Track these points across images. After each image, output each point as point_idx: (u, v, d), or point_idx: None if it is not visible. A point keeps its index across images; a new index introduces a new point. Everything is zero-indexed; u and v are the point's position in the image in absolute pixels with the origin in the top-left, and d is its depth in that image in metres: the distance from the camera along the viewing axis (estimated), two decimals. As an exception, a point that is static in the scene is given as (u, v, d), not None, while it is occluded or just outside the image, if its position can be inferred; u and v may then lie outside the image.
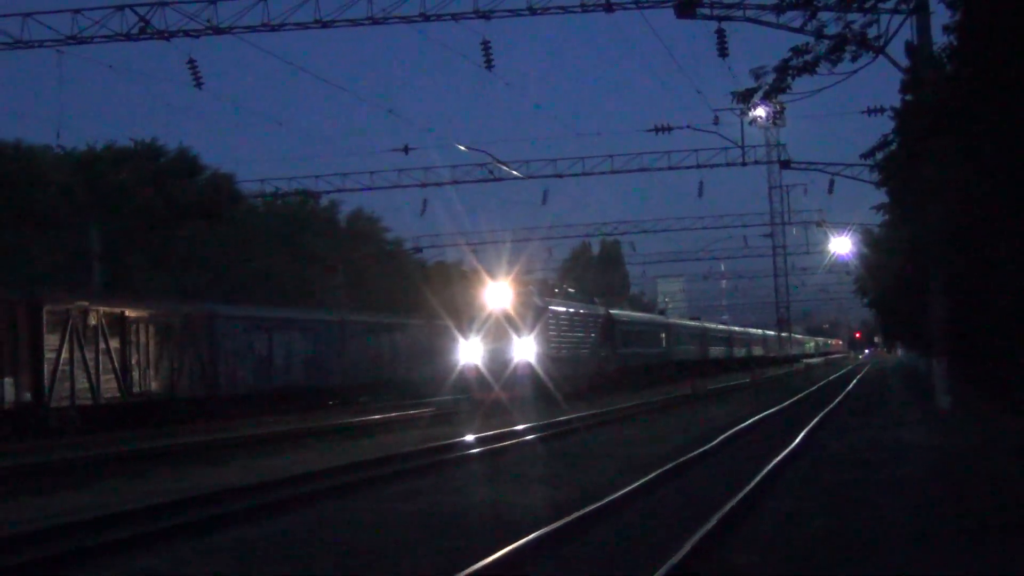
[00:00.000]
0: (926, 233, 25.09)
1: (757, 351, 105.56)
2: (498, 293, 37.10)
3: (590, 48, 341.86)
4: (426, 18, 28.12)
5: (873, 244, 45.21)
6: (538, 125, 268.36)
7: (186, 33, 28.02)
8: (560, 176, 51.02)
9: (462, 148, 48.45)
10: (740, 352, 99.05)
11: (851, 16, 15.26)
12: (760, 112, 23.23)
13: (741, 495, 13.82)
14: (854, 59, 15.78)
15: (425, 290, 48.32)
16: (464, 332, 36.76)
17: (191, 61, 29.01)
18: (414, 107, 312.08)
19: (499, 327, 36.64)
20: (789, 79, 15.82)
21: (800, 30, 16.00)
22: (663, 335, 67.27)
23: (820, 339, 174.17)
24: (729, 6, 18.35)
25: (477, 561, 9.63)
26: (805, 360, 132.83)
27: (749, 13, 18.24)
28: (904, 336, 67.33)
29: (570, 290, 53.35)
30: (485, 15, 27.69)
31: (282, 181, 56.02)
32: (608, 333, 50.93)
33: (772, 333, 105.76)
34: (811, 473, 17.81)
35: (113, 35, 28.21)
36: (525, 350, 36.87)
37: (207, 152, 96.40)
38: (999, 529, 11.68)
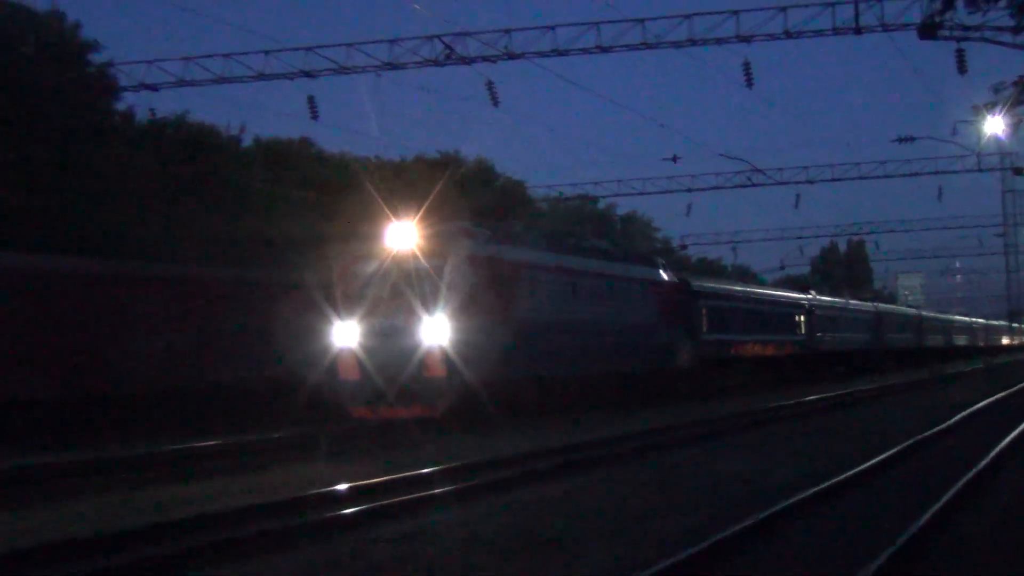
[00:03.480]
0: None
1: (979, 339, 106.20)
2: (398, 235, 22.53)
3: (841, 65, 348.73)
4: (693, 43, 30.32)
5: None
6: (792, 135, 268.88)
7: (485, 59, 30.94)
8: (811, 182, 54.05)
9: (724, 156, 51.47)
10: (958, 340, 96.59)
11: None
12: (999, 123, 24.54)
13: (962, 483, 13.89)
14: None
15: None
16: (336, 303, 22.70)
17: (489, 83, 31.67)
18: (683, 121, 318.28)
19: (394, 289, 22.29)
20: None
21: None
22: (800, 317, 51.81)
23: None
24: (967, 28, 18.91)
25: None
26: None
27: (986, 34, 18.70)
28: None
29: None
30: (746, 39, 29.69)
31: (566, 187, 62.33)
32: (680, 311, 35.50)
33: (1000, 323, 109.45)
34: None
35: (423, 61, 31.35)
36: (441, 331, 21.80)
37: (501, 161, 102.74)
38: None
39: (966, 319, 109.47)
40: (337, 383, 22.81)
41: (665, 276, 35.66)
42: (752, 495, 13.80)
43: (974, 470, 15.12)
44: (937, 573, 9.75)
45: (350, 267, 23.01)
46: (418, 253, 22.31)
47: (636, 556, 9.77)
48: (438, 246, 22.60)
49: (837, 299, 63.29)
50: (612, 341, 29.89)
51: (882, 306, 73.36)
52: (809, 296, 54.64)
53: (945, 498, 12.61)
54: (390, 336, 22.16)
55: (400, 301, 22.23)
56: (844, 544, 10.78)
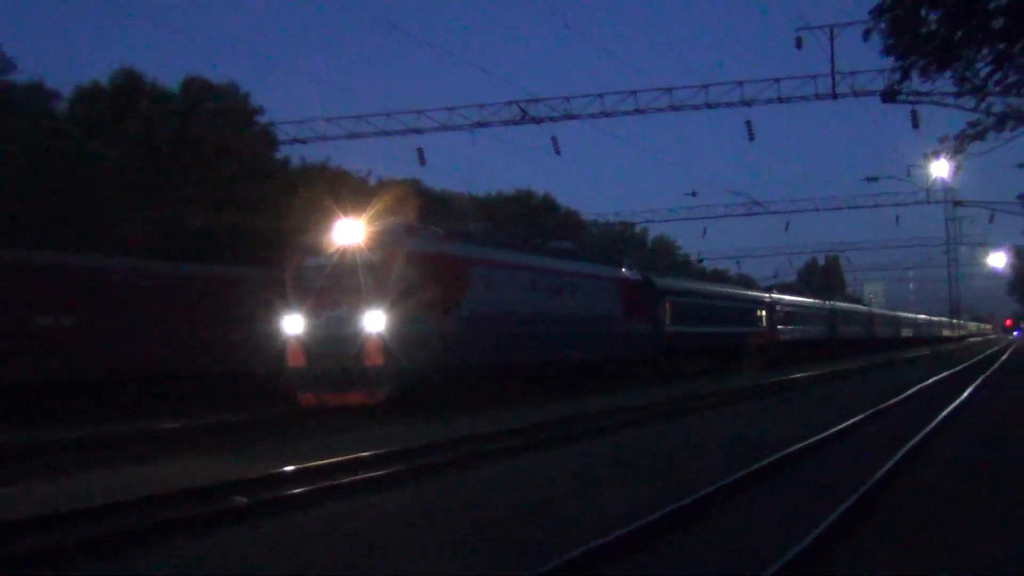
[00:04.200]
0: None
1: (921, 332, 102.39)
2: (344, 232, 19.10)
3: (822, 121, 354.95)
4: (708, 106, 30.15)
5: (1022, 258, 46.13)
6: (783, 175, 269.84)
7: (550, 119, 30.87)
8: (798, 211, 55.48)
9: (731, 191, 47.47)
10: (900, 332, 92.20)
11: (1011, 99, 14.88)
12: (944, 167, 24.35)
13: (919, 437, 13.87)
14: (1013, 129, 15.21)
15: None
16: (287, 295, 19.42)
17: (553, 138, 31.75)
18: (699, 164, 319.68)
19: (338, 282, 18.75)
20: (965, 144, 16.09)
21: (974, 110, 15.65)
22: (761, 312, 46.96)
23: (979, 323, 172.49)
24: (920, 93, 18.71)
25: None
26: (969, 339, 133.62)
27: (935, 98, 18.57)
28: None
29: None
30: (748, 103, 29.66)
31: (611, 215, 63.63)
32: (645, 306, 30.92)
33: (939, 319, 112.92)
34: (976, 417, 17.82)
35: (505, 121, 31.19)
36: (379, 321, 18.22)
37: (562, 196, 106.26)
38: None
39: (911, 315, 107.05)
40: (286, 371, 19.06)
41: (630, 275, 31.02)
42: (754, 446, 13.30)
43: (926, 429, 14.88)
44: (905, 497, 9.80)
45: (300, 261, 19.39)
46: (362, 248, 18.73)
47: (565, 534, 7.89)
48: (380, 242, 18.90)
49: (796, 297, 59.26)
50: (573, 331, 25.57)
51: (837, 304, 69.44)
52: (770, 295, 51.54)
53: (906, 448, 12.52)
54: (333, 326, 18.55)
55: (343, 293, 18.60)
56: (835, 481, 10.45)
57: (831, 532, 7.81)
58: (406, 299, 18.60)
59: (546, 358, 24.17)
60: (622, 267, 31.11)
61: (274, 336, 19.61)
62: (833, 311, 63.64)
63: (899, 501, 9.61)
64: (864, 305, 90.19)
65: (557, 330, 24.56)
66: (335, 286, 18.71)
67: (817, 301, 63.26)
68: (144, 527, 8.41)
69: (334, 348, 18.32)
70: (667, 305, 33.07)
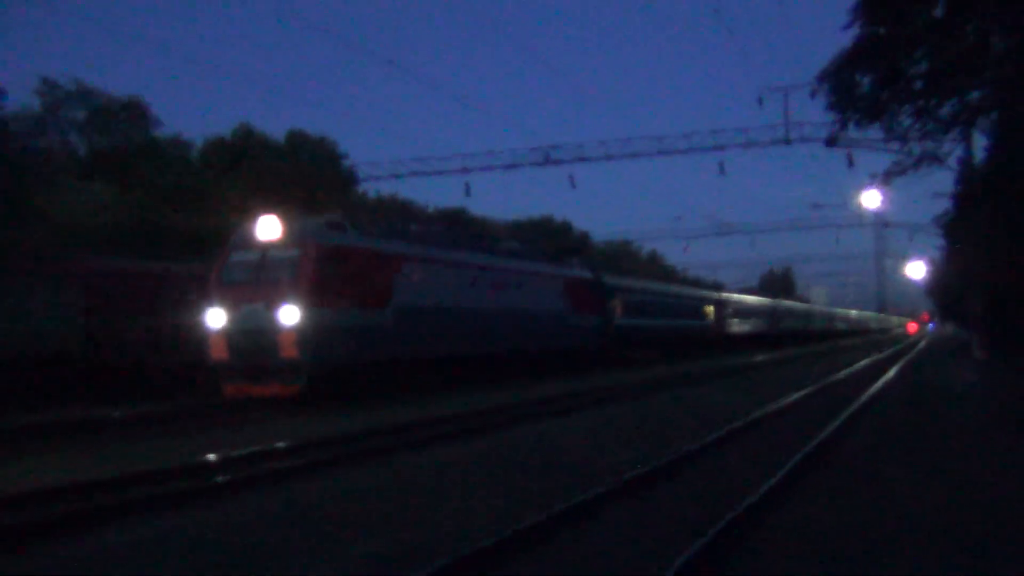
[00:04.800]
0: (969, 262, 25.25)
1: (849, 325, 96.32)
2: (266, 227, 15.85)
3: (778, 160, 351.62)
4: (691, 149, 30.11)
5: (936, 267, 46.57)
6: (749, 202, 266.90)
7: (567, 161, 30.81)
8: (760, 231, 57.73)
9: (708, 217, 45.87)
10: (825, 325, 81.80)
11: (927, 143, 14.79)
12: (874, 196, 24.73)
13: (856, 405, 13.93)
14: (929, 166, 15.07)
15: None
16: (212, 286, 15.90)
17: (570, 175, 32.55)
18: (681, 195, 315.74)
19: (259, 276, 15.51)
20: (891, 178, 16.01)
21: (898, 152, 15.62)
22: (709, 308, 42.35)
23: (901, 318, 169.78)
24: (855, 140, 18.71)
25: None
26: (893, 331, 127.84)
27: (868, 143, 18.53)
28: (953, 318, 66.56)
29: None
30: (721, 147, 29.58)
31: (615, 234, 66.19)
32: (596, 301, 27.19)
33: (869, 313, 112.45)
34: (901, 393, 17.64)
35: (532, 163, 31.04)
36: (295, 314, 14.95)
37: (576, 220, 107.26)
38: (1014, 426, 11.53)
39: (844, 311, 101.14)
40: (210, 362, 15.71)
41: (580, 273, 27.10)
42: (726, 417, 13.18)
43: (857, 403, 14.69)
44: (847, 451, 9.74)
45: (227, 256, 16.11)
46: (282, 243, 15.60)
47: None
48: (300, 237, 15.65)
49: (743, 296, 53.83)
50: (517, 324, 21.92)
51: (779, 301, 63.94)
52: (719, 293, 48.28)
53: (842, 417, 12.46)
54: (252, 319, 15.18)
55: (263, 287, 15.29)
56: (793, 439, 10.33)
57: (793, 473, 8.01)
58: (325, 293, 15.38)
59: (488, 350, 20.76)
60: (573, 267, 27.36)
61: (197, 328, 16.29)
62: (776, 307, 58.80)
63: (842, 453, 9.69)
64: (808, 303, 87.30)
65: (500, 323, 21.12)
66: (256, 280, 15.50)
67: (762, 299, 58.33)
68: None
69: (253, 341, 15.16)
70: (616, 300, 29.72)
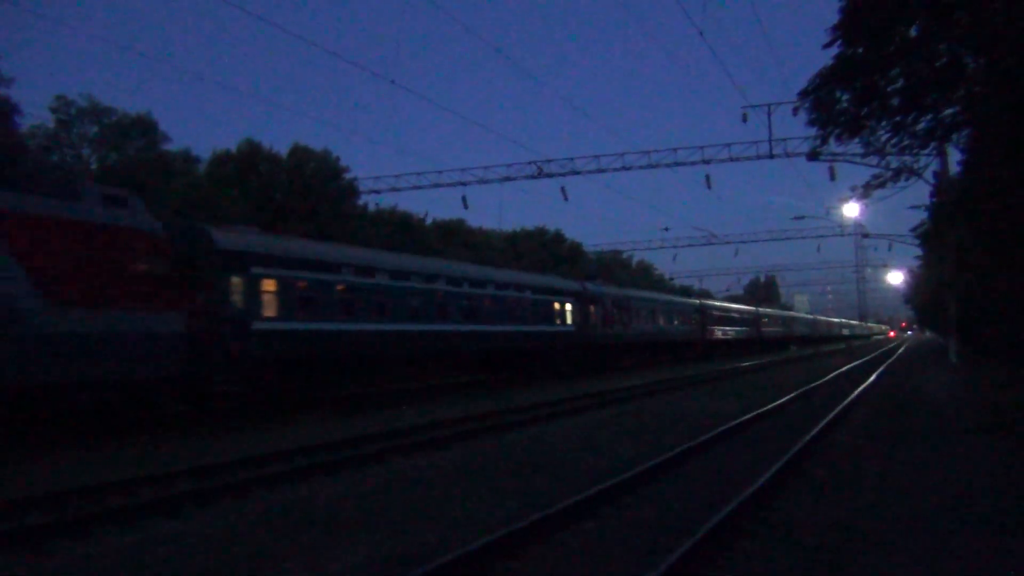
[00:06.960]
0: (944, 272, 25.61)
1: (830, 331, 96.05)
2: None
3: (762, 174, 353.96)
4: (677, 164, 29.72)
5: (913, 276, 47.07)
6: (735, 214, 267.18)
7: (560, 174, 30.58)
8: (745, 242, 55.33)
9: (695, 228, 46.86)
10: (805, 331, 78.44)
11: (905, 158, 14.82)
12: (854, 208, 24.88)
13: (840, 407, 14.23)
14: (907, 179, 15.06)
15: None
16: None
17: (563, 188, 30.87)
18: (670, 207, 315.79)
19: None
20: (870, 191, 16.20)
21: (876, 165, 15.63)
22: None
23: (881, 325, 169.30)
24: (836, 154, 18.75)
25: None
26: (875, 336, 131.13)
27: (847, 157, 18.56)
28: (930, 324, 67.55)
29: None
30: (707, 162, 29.36)
31: (606, 245, 66.94)
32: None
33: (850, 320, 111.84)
34: (881, 394, 17.86)
35: (526, 176, 30.87)
36: None
37: (568, 231, 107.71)
38: (982, 430, 11.49)
39: (824, 318, 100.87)
40: None
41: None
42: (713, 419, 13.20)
43: (846, 400, 15.12)
44: (835, 448, 9.78)
45: None
46: None
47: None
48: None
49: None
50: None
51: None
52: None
53: (830, 416, 12.64)
54: None
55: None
56: (781, 437, 10.49)
57: (785, 468, 8.15)
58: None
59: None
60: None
61: None
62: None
63: (828, 449, 9.79)
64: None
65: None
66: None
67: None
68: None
69: None
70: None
